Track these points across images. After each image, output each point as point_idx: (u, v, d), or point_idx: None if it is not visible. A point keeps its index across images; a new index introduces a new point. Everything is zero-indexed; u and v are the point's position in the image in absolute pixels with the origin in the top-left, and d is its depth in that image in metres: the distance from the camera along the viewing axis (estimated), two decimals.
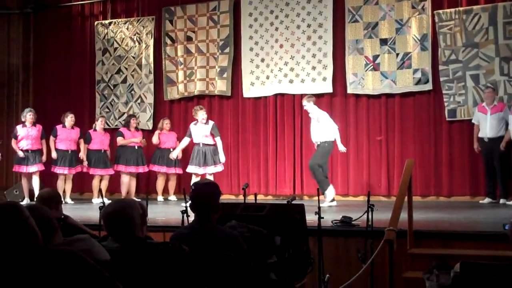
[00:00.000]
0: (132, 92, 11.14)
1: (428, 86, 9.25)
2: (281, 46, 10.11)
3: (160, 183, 10.18)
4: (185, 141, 9.57)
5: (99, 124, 10.07)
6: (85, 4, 11.73)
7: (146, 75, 11.05)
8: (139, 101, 11.09)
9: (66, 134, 9.77)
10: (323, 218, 5.00)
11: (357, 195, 9.54)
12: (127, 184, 9.98)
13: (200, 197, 3.47)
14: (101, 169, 9.90)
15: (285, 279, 3.97)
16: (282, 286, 3.91)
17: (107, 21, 11.41)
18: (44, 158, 9.77)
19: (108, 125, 10.78)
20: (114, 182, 10.16)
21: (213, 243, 3.22)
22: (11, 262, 1.99)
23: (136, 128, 10.26)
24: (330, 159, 8.89)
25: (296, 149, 9.98)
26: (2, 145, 10.52)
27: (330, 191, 8.34)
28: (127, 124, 10.17)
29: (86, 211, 8.03)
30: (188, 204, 3.78)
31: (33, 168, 9.67)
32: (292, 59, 10.02)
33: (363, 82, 9.60)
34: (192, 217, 3.71)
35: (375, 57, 9.53)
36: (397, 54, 9.41)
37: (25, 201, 9.52)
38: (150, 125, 10.90)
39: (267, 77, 10.20)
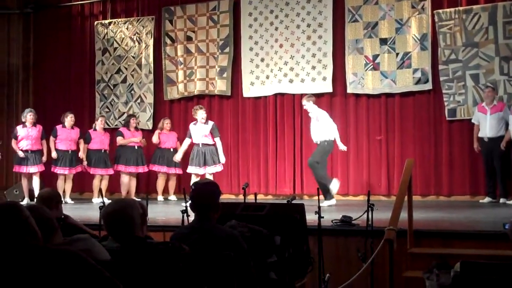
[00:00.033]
0: (132, 92, 11.14)
1: (428, 86, 9.26)
2: (281, 45, 10.11)
3: (160, 183, 10.18)
4: (187, 142, 9.58)
5: (99, 124, 10.07)
6: (85, 4, 11.73)
7: (146, 75, 11.05)
8: (139, 101, 11.09)
9: (66, 134, 9.77)
10: (323, 217, 5.00)
11: (357, 194, 9.55)
12: (127, 184, 9.98)
13: (200, 197, 3.47)
14: (101, 169, 9.90)
15: (285, 278, 3.97)
16: (282, 285, 3.91)
17: (107, 21, 11.41)
18: (44, 158, 9.77)
19: (108, 125, 10.78)
20: (114, 182, 10.16)
21: (213, 243, 3.22)
22: (11, 262, 1.99)
23: (136, 128, 10.26)
24: (330, 158, 8.89)
25: (296, 148, 9.98)
26: (2, 145, 10.51)
27: (334, 185, 8.33)
28: (126, 124, 10.17)
29: (86, 211, 8.03)
30: (188, 204, 3.78)
31: (33, 169, 9.66)
32: (292, 58, 10.02)
33: (363, 81, 9.60)
34: (192, 216, 3.71)
35: (375, 56, 9.53)
36: (397, 54, 9.41)
37: (25, 201, 9.52)
38: (150, 125, 10.90)
39: (267, 77, 10.20)
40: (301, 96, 9.44)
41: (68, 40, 11.68)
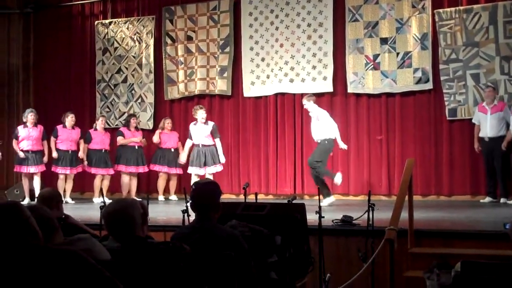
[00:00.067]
0: (133, 91, 11.14)
1: (429, 85, 9.25)
2: (281, 45, 10.11)
3: (161, 183, 10.17)
4: (189, 143, 9.61)
5: (99, 124, 10.06)
6: (85, 3, 11.73)
7: (146, 75, 11.05)
8: (139, 100, 11.09)
9: (67, 135, 9.77)
10: (323, 217, 5.00)
11: (358, 194, 9.54)
12: (128, 184, 9.98)
13: (201, 197, 3.47)
14: (102, 169, 9.89)
15: (285, 278, 3.97)
16: (282, 285, 3.91)
17: (107, 21, 11.41)
18: (45, 159, 9.76)
19: (108, 124, 10.78)
20: (115, 182, 10.16)
21: (214, 243, 3.22)
22: (12, 262, 1.99)
23: (136, 128, 10.25)
24: (330, 158, 8.88)
25: (297, 148, 9.98)
26: (3, 145, 10.51)
27: (338, 177, 8.32)
28: (127, 124, 10.17)
29: (87, 211, 8.03)
30: (189, 204, 3.78)
31: (34, 169, 9.66)
32: (293, 58, 10.02)
33: (364, 81, 9.60)
34: (192, 216, 3.71)
35: (376, 56, 9.53)
36: (398, 53, 9.40)
37: (26, 201, 9.52)
38: (150, 125, 10.91)
39: (268, 77, 10.20)
40: (302, 95, 9.44)
41: (68, 40, 11.68)
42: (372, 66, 9.54)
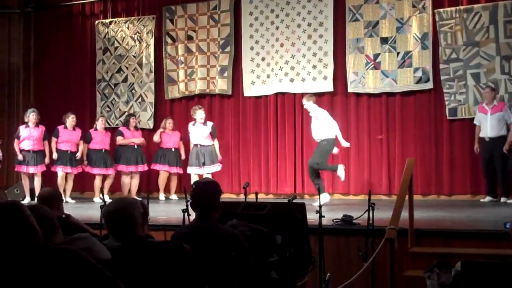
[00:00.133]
0: (133, 91, 11.14)
1: (429, 85, 9.25)
2: (281, 45, 10.10)
3: (162, 179, 10.13)
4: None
5: (99, 124, 10.05)
6: (86, 3, 11.72)
7: (146, 74, 11.05)
8: (139, 100, 11.09)
9: (67, 136, 9.77)
10: (324, 216, 5.00)
11: (358, 194, 9.54)
12: (128, 184, 9.98)
13: (201, 196, 3.47)
14: (102, 169, 9.89)
15: (286, 277, 3.97)
16: (283, 284, 3.91)
17: (107, 20, 11.40)
18: (47, 160, 9.75)
19: (108, 124, 10.79)
20: (115, 182, 10.15)
21: (214, 242, 3.22)
22: (13, 261, 1.99)
23: (136, 127, 10.25)
24: (330, 158, 8.87)
25: (297, 148, 9.98)
26: (3, 144, 10.51)
27: (341, 170, 8.32)
28: (126, 123, 10.16)
29: (87, 210, 8.03)
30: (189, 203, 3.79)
31: (35, 169, 9.66)
32: (293, 58, 10.02)
33: (364, 81, 9.60)
34: (193, 216, 3.71)
35: (376, 55, 9.53)
36: (398, 53, 9.40)
37: (26, 200, 9.53)
38: (151, 124, 10.91)
39: (268, 76, 10.20)
40: (302, 95, 9.43)
41: (68, 39, 11.68)
42: (373, 65, 9.54)
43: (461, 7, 9.10)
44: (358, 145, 9.64)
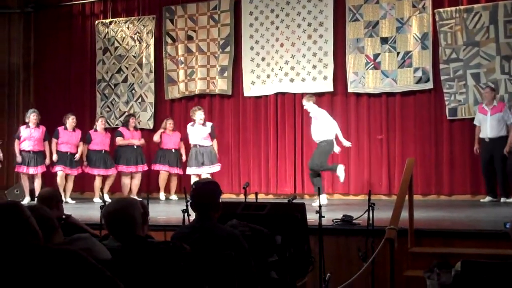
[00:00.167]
0: (133, 91, 11.14)
1: (429, 85, 9.25)
2: (281, 45, 10.10)
3: (162, 179, 10.12)
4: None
5: (99, 125, 10.05)
6: (86, 3, 11.72)
7: (146, 74, 11.05)
8: (139, 100, 11.09)
9: (67, 137, 9.76)
10: (323, 217, 5.00)
11: (358, 194, 9.54)
12: (128, 184, 9.99)
13: (201, 196, 3.47)
14: (102, 169, 9.89)
15: (286, 278, 3.97)
16: (283, 285, 3.91)
17: (107, 20, 11.40)
18: (47, 161, 9.74)
19: (108, 124, 10.78)
20: (115, 182, 10.14)
21: (214, 242, 3.22)
22: (13, 261, 1.99)
23: (135, 128, 10.25)
24: (330, 157, 8.87)
25: (297, 148, 9.97)
26: (3, 144, 10.51)
27: (340, 170, 8.30)
28: (126, 124, 10.16)
29: (87, 210, 8.03)
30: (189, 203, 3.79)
31: (35, 170, 9.65)
32: (293, 58, 10.02)
33: (364, 81, 9.60)
34: (193, 216, 3.71)
35: (376, 55, 9.53)
36: (398, 53, 9.40)
37: (26, 200, 9.52)
38: (151, 125, 10.91)
39: (268, 76, 10.20)
40: (302, 95, 9.43)
41: (68, 39, 11.68)
42: (373, 65, 9.54)
43: (461, 7, 9.10)
44: (358, 145, 9.63)
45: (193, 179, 9.20)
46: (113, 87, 11.27)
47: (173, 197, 10.09)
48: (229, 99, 10.54)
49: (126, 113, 10.81)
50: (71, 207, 8.28)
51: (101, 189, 9.52)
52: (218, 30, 10.58)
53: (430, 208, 7.52)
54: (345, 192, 9.61)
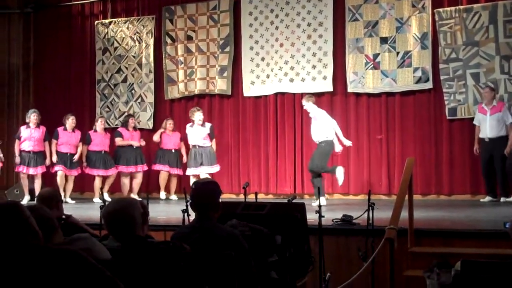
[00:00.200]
0: (133, 91, 11.13)
1: (429, 85, 9.25)
2: (281, 45, 10.10)
3: (162, 178, 10.11)
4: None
5: (99, 125, 10.04)
6: (85, 3, 11.72)
7: (146, 74, 11.05)
8: (139, 100, 11.08)
9: (67, 138, 9.75)
10: (323, 216, 5.00)
11: (358, 193, 9.54)
12: (128, 185, 9.98)
13: (200, 196, 3.47)
14: (102, 170, 9.88)
15: (286, 277, 3.97)
16: (283, 285, 3.91)
17: (107, 21, 11.40)
18: (48, 161, 9.73)
19: (108, 124, 10.78)
20: (115, 182, 10.14)
21: (214, 242, 3.22)
22: (12, 261, 1.99)
23: (135, 128, 10.24)
24: (330, 157, 8.86)
25: (297, 148, 9.97)
26: (3, 144, 10.51)
27: (340, 172, 8.28)
28: (125, 124, 10.16)
29: (87, 211, 8.03)
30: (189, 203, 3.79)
31: (35, 170, 9.64)
32: (293, 58, 10.02)
33: (364, 80, 9.60)
34: (193, 216, 3.71)
35: (375, 55, 9.53)
36: (398, 53, 9.40)
37: (26, 199, 9.53)
38: (150, 125, 10.90)
39: (268, 76, 10.20)
40: (302, 95, 9.44)
41: (68, 39, 11.67)
42: (372, 65, 9.54)
43: (461, 7, 9.10)
44: (358, 145, 9.63)
45: (193, 179, 9.20)
46: (112, 87, 11.27)
47: (173, 197, 10.09)
48: (228, 99, 10.54)
49: (126, 113, 10.81)
50: (71, 207, 8.28)
51: (101, 189, 9.51)
52: (218, 30, 10.58)
53: (430, 208, 7.52)
54: (345, 192, 9.60)
